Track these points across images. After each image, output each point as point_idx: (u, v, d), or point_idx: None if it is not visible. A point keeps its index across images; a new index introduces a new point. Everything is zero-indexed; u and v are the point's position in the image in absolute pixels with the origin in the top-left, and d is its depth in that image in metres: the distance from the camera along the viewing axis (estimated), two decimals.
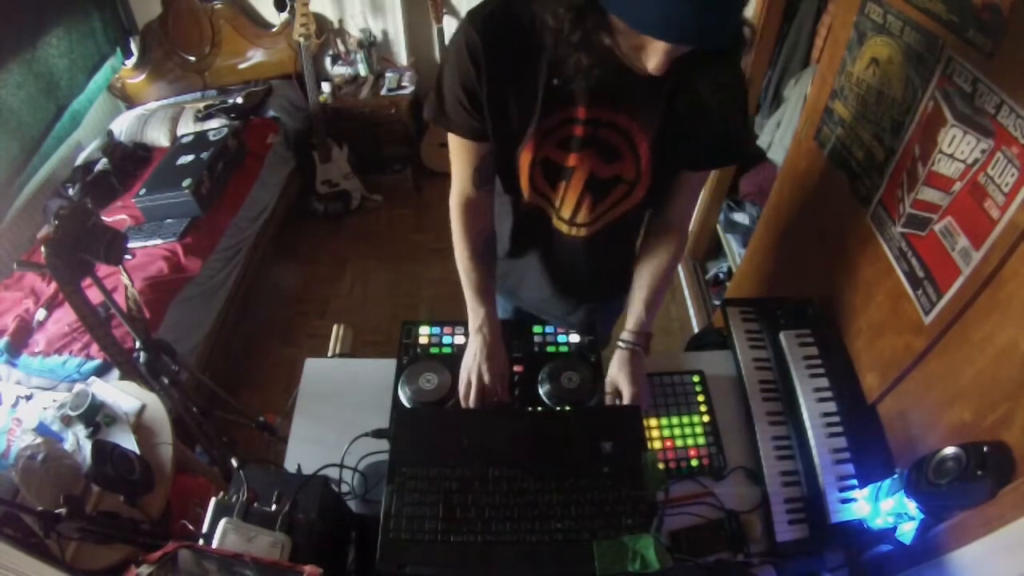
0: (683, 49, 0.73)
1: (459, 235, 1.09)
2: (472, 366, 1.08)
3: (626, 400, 1.08)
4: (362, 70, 3.22)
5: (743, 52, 0.81)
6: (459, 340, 1.25)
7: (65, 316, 2.00)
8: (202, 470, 1.64)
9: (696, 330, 2.56)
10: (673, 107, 0.90)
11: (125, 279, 1.47)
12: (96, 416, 1.37)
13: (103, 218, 1.36)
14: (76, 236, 1.25)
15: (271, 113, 3.05)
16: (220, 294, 2.39)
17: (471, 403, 1.07)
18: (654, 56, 0.73)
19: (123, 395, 1.44)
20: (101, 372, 1.82)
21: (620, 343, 1.11)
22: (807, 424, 1.11)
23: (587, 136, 0.94)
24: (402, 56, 3.29)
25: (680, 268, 2.92)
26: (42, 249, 1.23)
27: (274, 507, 0.84)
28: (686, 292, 2.80)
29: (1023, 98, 0.83)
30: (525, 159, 0.98)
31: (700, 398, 1.21)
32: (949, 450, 0.86)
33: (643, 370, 1.12)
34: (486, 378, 1.07)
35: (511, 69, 0.88)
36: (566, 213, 1.07)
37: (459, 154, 1.01)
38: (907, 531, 0.95)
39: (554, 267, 1.23)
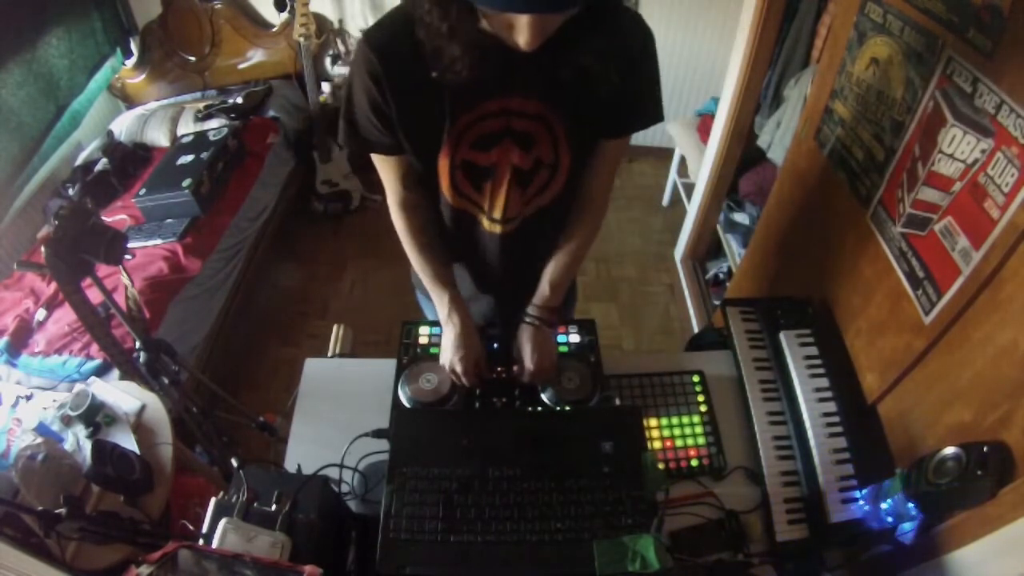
0: (552, 21, 0.74)
1: (404, 234, 1.11)
2: (451, 358, 1.10)
3: (528, 370, 1.09)
4: None
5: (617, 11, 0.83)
6: None
7: (65, 316, 2.00)
8: (202, 470, 1.64)
9: (696, 330, 2.56)
10: (569, 80, 0.89)
11: (125, 279, 1.47)
12: (96, 416, 1.37)
13: (103, 218, 1.36)
14: (76, 236, 1.25)
15: (271, 113, 3.04)
16: (220, 294, 2.39)
17: (463, 385, 1.11)
18: (521, 32, 0.74)
19: (123, 395, 1.43)
20: (101, 372, 1.81)
21: (525, 317, 1.12)
22: (807, 424, 1.11)
23: (502, 129, 0.94)
24: None
25: (680, 268, 2.92)
26: (42, 249, 1.23)
27: (274, 507, 0.84)
28: (686, 292, 2.79)
29: (1023, 98, 0.83)
30: (444, 164, 0.99)
31: (700, 398, 1.21)
32: (949, 450, 0.86)
33: (548, 343, 1.11)
34: (458, 368, 1.08)
35: (412, 80, 0.88)
36: (497, 213, 1.06)
37: (383, 167, 1.04)
38: (907, 531, 0.95)
39: (479, 267, 1.22)
